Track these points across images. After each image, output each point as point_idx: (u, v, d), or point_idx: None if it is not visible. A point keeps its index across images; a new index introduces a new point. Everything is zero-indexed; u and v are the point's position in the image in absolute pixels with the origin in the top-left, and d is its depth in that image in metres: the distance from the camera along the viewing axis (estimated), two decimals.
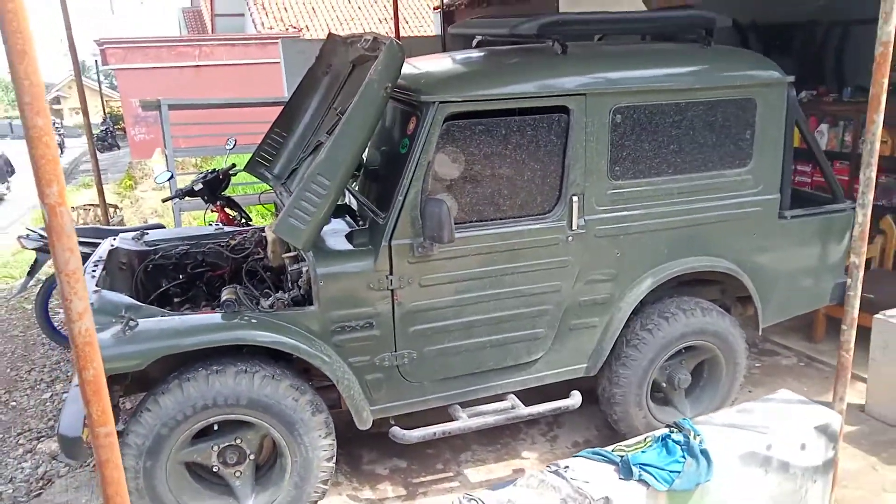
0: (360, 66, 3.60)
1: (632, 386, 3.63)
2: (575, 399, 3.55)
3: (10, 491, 3.46)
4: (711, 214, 3.61)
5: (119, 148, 24.12)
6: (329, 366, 3.00)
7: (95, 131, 26.46)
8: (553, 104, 3.20)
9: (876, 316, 4.01)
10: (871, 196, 2.80)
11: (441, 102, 3.02)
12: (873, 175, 2.77)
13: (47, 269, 5.39)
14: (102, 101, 28.24)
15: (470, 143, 3.12)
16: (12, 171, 15.24)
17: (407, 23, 21.01)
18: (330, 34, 4.07)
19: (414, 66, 3.49)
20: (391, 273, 3.08)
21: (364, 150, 3.04)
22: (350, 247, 3.16)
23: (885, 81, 2.67)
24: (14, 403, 4.39)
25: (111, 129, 25.41)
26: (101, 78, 29.74)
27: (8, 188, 14.93)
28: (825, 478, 3.03)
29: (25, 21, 1.39)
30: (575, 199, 3.31)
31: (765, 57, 3.75)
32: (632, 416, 3.69)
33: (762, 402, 3.16)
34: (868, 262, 4.95)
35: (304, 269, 3.16)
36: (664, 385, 3.80)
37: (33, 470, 3.63)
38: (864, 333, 4.68)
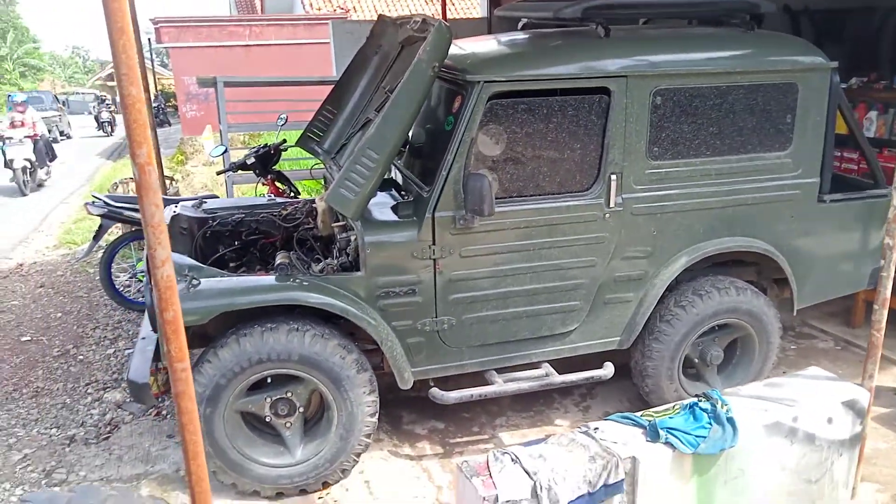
0: (408, 46, 3.76)
1: (664, 360, 3.74)
2: (608, 370, 3.68)
3: (82, 433, 3.78)
4: (749, 196, 3.68)
5: (170, 124, 24.78)
6: (374, 328, 3.20)
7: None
8: (594, 85, 3.31)
9: None
10: None
11: (486, 82, 3.16)
12: None
13: (108, 236, 5.73)
14: (154, 78, 29.02)
15: (512, 121, 3.26)
16: (53, 156, 13.19)
17: (453, 4, 21.03)
18: (380, 16, 4.23)
19: (460, 47, 3.63)
20: (434, 243, 3.25)
21: (411, 127, 3.20)
22: (396, 218, 3.34)
23: None
24: (81, 357, 4.74)
25: (163, 106, 26.13)
26: (153, 56, 30.57)
27: (48, 173, 13.10)
28: (852, 452, 3.11)
29: (125, 1, 1.59)
30: (613, 177, 3.42)
31: (808, 42, 3.78)
32: (663, 390, 3.81)
33: (791, 377, 3.25)
34: None
35: (353, 238, 3.36)
36: (696, 361, 3.91)
37: (101, 416, 3.95)
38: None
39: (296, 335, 3.11)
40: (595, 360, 3.75)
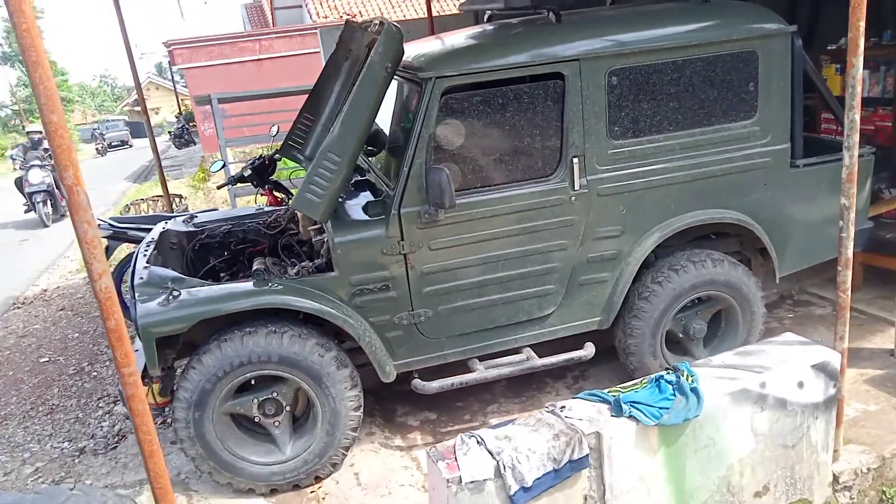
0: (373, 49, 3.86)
1: (645, 337, 3.78)
2: (588, 350, 3.74)
3: (92, 444, 4.00)
4: (718, 167, 3.69)
5: (195, 144, 25.36)
6: (350, 325, 3.32)
7: (172, 129, 28.00)
8: (547, 71, 3.37)
9: None
10: (856, 138, 2.85)
11: (437, 77, 3.24)
12: (857, 118, 2.82)
13: (118, 255, 5.97)
14: (178, 99, 29.61)
15: (469, 113, 3.34)
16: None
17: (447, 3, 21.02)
18: (347, 21, 4.34)
19: (421, 46, 3.72)
20: (402, 239, 3.35)
21: (370, 127, 3.30)
22: (365, 217, 3.45)
23: (862, 24, 2.71)
24: (95, 374, 4.98)
25: (186, 126, 26.74)
26: (178, 78, 31.30)
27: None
28: (828, 415, 3.11)
29: (38, 38, 1.72)
30: (576, 160, 3.48)
31: (766, 8, 3.77)
32: (648, 366, 3.84)
33: (762, 345, 3.27)
34: None
35: (326, 239, 3.48)
36: (681, 335, 3.93)
37: (110, 428, 4.16)
38: (892, 278, 4.66)
39: (274, 337, 3.24)
40: (583, 342, 3.79)
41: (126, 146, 31.69)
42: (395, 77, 3.68)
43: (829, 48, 5.68)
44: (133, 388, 1.98)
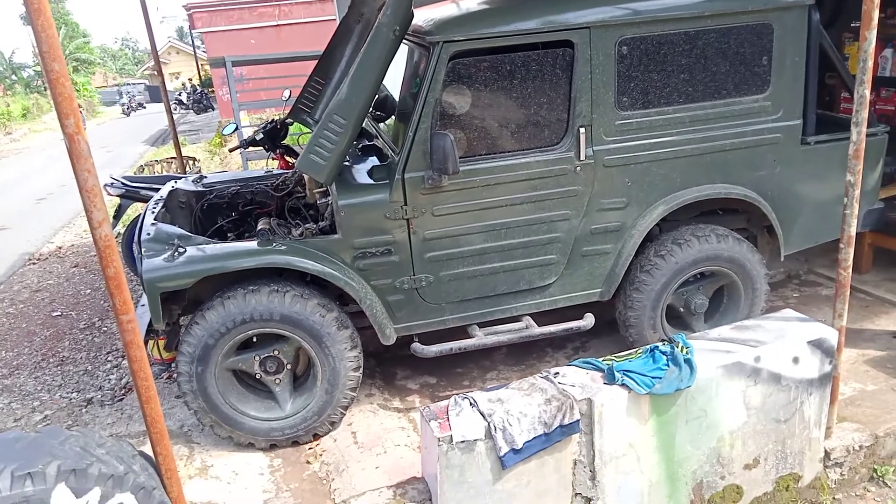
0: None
1: (646, 310, 3.79)
2: (587, 320, 3.76)
3: (99, 396, 4.11)
4: (727, 142, 3.66)
5: (213, 109, 25.43)
6: (352, 287, 3.36)
7: (179, 96, 28.11)
8: (556, 39, 3.34)
9: None
10: (865, 114, 2.82)
11: (445, 42, 3.23)
12: (867, 93, 2.78)
13: (131, 214, 6.05)
14: (197, 64, 29.59)
15: (476, 79, 3.32)
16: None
17: None
18: None
19: (431, 11, 3.70)
20: (405, 204, 3.37)
21: (377, 90, 3.31)
22: (370, 181, 3.47)
23: None
24: (105, 329, 5.08)
25: (205, 91, 26.79)
26: (198, 43, 31.29)
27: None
28: (822, 391, 3.12)
29: None
30: (582, 130, 3.46)
31: None
32: (647, 339, 3.86)
33: (759, 320, 3.27)
34: None
35: (331, 202, 3.51)
36: (682, 310, 3.94)
37: (118, 381, 4.27)
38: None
39: (276, 296, 3.29)
40: (584, 313, 3.81)
41: (142, 108, 33.73)
42: (404, 42, 3.68)
43: (852, 25, 5.56)
44: (131, 335, 2.03)
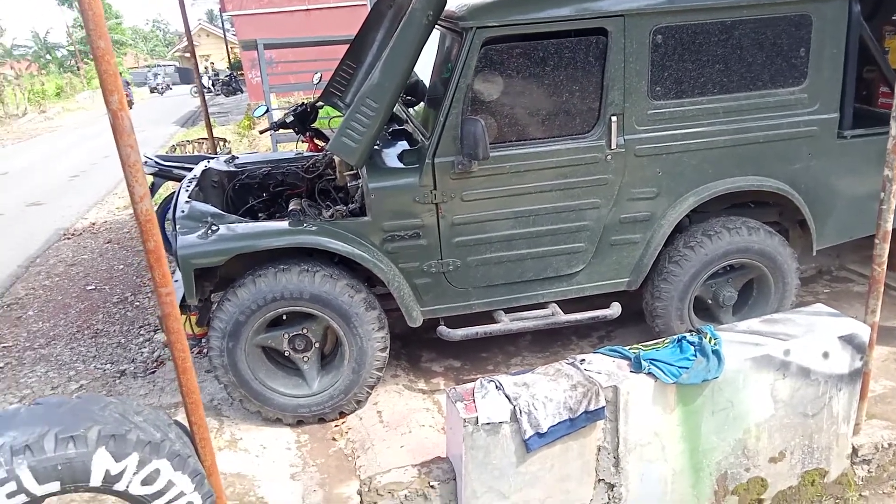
0: None
1: (673, 300, 3.78)
2: (614, 309, 3.76)
3: (132, 368, 4.22)
4: (761, 134, 3.62)
5: (243, 92, 25.64)
6: (380, 268, 3.40)
7: (223, 75, 28.34)
8: (590, 27, 3.33)
9: None
10: None
11: (479, 28, 3.23)
12: None
13: (162, 193, 6.16)
14: (227, 46, 29.83)
15: (508, 66, 3.33)
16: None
17: None
18: None
19: None
20: (435, 188, 3.39)
21: (409, 74, 3.32)
22: (400, 165, 3.50)
23: None
24: (137, 304, 5.20)
25: (234, 74, 26.99)
26: (228, 26, 31.50)
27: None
28: (851, 387, 3.10)
29: None
30: (614, 119, 3.45)
31: None
32: (674, 330, 3.85)
33: (790, 313, 3.25)
34: None
35: (361, 185, 3.54)
36: (710, 302, 3.92)
37: (150, 354, 4.38)
38: None
39: (306, 275, 3.34)
40: (610, 302, 3.81)
41: (169, 90, 35.36)
42: (437, 27, 3.69)
43: (894, 18, 5.44)
44: (169, 308, 2.09)
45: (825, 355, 3.01)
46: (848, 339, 3.02)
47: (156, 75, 36.04)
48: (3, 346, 4.70)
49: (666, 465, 2.90)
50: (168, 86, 35.40)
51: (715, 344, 2.93)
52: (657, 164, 3.57)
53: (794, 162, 3.72)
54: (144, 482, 2.05)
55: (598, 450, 2.82)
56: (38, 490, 1.90)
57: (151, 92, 34.19)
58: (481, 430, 2.64)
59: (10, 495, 1.87)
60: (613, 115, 3.44)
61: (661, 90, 3.47)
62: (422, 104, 4.20)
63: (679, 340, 2.98)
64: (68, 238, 7.29)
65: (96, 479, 1.97)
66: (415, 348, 4.25)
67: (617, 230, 3.66)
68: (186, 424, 2.30)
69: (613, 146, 3.48)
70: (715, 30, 3.42)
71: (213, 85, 27.27)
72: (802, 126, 3.66)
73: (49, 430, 1.90)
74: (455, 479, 2.81)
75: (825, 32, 3.52)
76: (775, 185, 3.70)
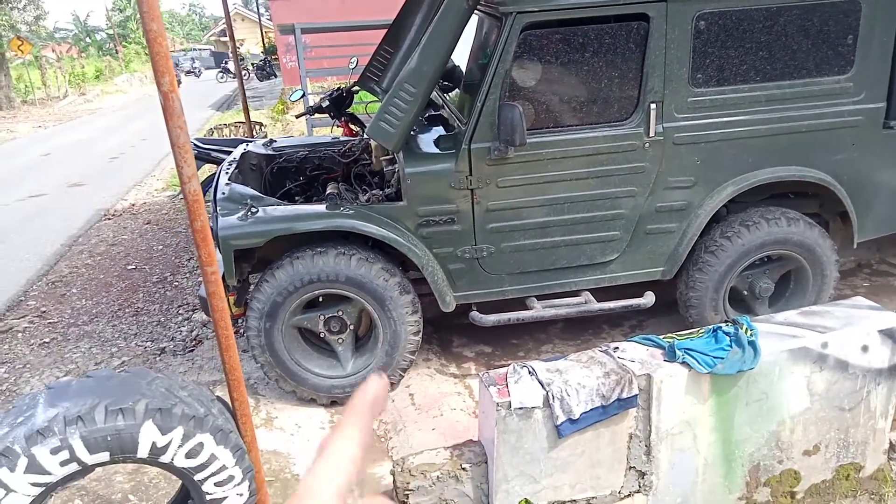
0: None
1: (708, 291, 3.75)
2: (648, 298, 3.75)
3: (171, 346, 4.33)
4: (804, 123, 3.56)
5: (276, 76, 25.81)
6: (415, 253, 3.43)
7: (257, 61, 28.57)
8: (632, 12, 3.29)
9: None
10: None
11: (519, 13, 3.22)
12: None
13: (200, 175, 6.26)
14: (262, 31, 30.02)
15: (547, 52, 3.31)
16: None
17: None
18: None
19: None
20: (470, 174, 3.40)
21: (447, 60, 3.33)
22: (436, 150, 3.52)
23: None
24: (176, 284, 5.32)
25: (268, 59, 27.17)
26: (263, 11, 31.64)
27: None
28: (890, 382, 3.05)
29: None
30: (653, 106, 3.42)
31: None
32: (708, 320, 3.82)
33: (828, 306, 3.20)
34: None
35: (397, 170, 3.57)
36: (745, 293, 3.88)
37: (189, 333, 4.49)
38: None
39: (343, 258, 3.39)
40: (644, 291, 3.79)
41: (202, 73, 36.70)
42: (475, 12, 3.68)
43: None
44: (214, 286, 2.14)
45: (864, 349, 2.96)
46: (888, 333, 2.97)
47: (192, 60, 36.98)
48: (50, 322, 4.86)
49: (698, 455, 2.90)
50: (201, 70, 36.09)
51: (751, 335, 2.91)
52: (696, 153, 3.53)
53: (837, 152, 3.65)
54: (188, 455, 2.11)
55: (630, 437, 2.83)
56: (90, 459, 1.98)
57: (186, 75, 34.77)
58: (514, 414, 2.66)
59: (63, 463, 1.95)
60: (653, 102, 3.41)
61: (703, 77, 3.42)
62: (458, 90, 4.20)
63: (714, 330, 2.96)
64: (109, 219, 7.47)
65: (143, 451, 2.04)
66: (446, 333, 4.29)
67: (653, 219, 3.63)
68: (228, 401, 2.36)
69: (652, 134, 3.45)
70: (760, 16, 3.36)
71: (255, 69, 27.69)
72: (847, 116, 3.58)
73: (100, 402, 1.98)
74: (486, 462, 2.85)
75: (874, 20, 3.44)
76: (817, 176, 3.63)
